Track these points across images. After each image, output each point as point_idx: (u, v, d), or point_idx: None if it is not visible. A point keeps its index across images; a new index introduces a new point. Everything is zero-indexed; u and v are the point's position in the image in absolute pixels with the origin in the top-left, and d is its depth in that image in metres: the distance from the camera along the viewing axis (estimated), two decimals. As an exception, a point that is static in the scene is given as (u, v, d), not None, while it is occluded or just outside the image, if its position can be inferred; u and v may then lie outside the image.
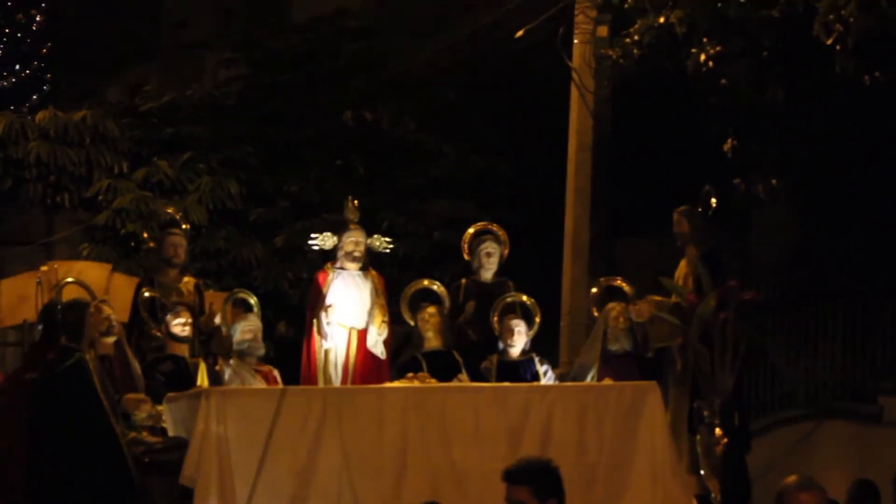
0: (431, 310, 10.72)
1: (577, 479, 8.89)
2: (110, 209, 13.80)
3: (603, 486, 9.12)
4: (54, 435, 8.31)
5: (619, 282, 11.11)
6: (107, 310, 9.50)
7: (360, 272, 10.71)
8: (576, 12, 12.37)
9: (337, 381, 10.35)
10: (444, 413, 8.90)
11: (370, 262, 10.81)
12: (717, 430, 9.59)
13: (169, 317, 9.92)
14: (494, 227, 11.39)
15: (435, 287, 11.11)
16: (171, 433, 8.89)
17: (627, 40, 10.37)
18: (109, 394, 8.61)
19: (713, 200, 9.94)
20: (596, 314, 10.99)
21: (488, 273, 11.24)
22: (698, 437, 9.70)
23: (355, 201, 10.83)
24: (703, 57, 9.46)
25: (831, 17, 8.58)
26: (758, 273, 11.98)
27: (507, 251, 11.34)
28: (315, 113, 13.95)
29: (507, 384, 9.79)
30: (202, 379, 9.68)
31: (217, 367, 10.08)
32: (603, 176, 12.40)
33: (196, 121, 14.20)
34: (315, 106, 14.03)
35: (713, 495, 9.57)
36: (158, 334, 9.97)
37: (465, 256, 11.39)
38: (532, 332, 10.90)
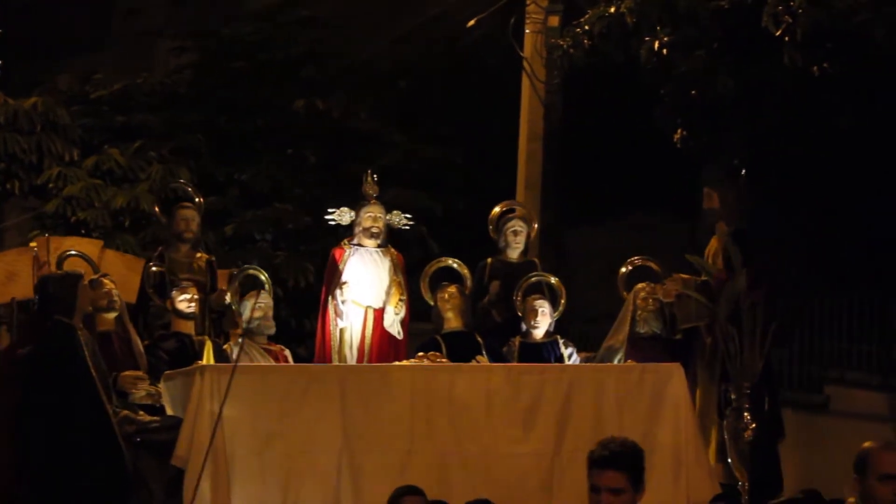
0: (452, 289, 10.31)
1: (595, 465, 8.50)
2: (60, 197, 13.67)
3: None
4: (41, 412, 7.98)
5: (648, 262, 10.63)
6: (108, 284, 9.19)
7: (378, 249, 10.33)
8: (527, 2, 12.31)
9: (352, 361, 9.98)
10: (454, 394, 8.48)
11: (388, 239, 10.41)
12: (746, 416, 9.11)
13: (175, 292, 9.56)
14: (521, 205, 10.96)
15: (456, 265, 10.69)
16: (168, 412, 8.52)
17: (578, 30, 10.36)
18: (102, 370, 8.27)
19: (743, 172, 9.48)
20: (624, 296, 10.52)
21: (515, 252, 10.82)
22: (725, 422, 9.23)
23: (374, 175, 10.42)
24: (656, 44, 9.48)
25: (780, 8, 8.59)
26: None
27: (535, 230, 10.90)
28: (267, 102, 13.97)
29: (520, 364, 9.34)
30: (208, 358, 9.30)
31: (225, 347, 9.73)
32: (554, 166, 12.34)
33: (147, 109, 14.19)
34: (267, 95, 14.05)
35: (741, 484, 9.08)
36: (168, 308, 9.60)
37: (492, 235, 10.96)
38: (557, 314, 10.46)
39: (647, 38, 9.49)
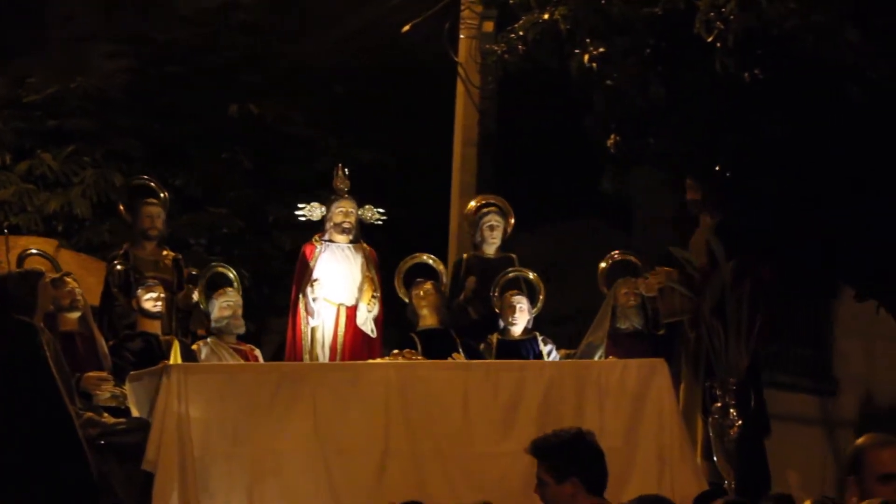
0: (427, 286, 10.03)
1: (577, 464, 8.22)
2: (-8, 202, 13.57)
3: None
4: (1, 415, 7.62)
5: (628, 256, 10.37)
6: (71, 283, 8.86)
7: (350, 245, 10.02)
8: (462, 8, 12.29)
9: (324, 360, 9.65)
10: (430, 393, 8.17)
11: (361, 234, 10.11)
12: (732, 412, 8.84)
13: (140, 291, 9.23)
14: (498, 200, 10.68)
15: (431, 262, 10.40)
16: (134, 414, 8.18)
17: (512, 36, 10.24)
18: (64, 371, 7.92)
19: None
20: (604, 291, 10.25)
21: (491, 248, 10.53)
22: (711, 420, 8.96)
23: (345, 169, 10.12)
24: (586, 58, 9.48)
25: (712, 14, 8.60)
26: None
27: (511, 225, 10.62)
28: (201, 106, 13.89)
29: (499, 361, 9.05)
30: (175, 358, 8.96)
31: (194, 347, 9.41)
32: (488, 172, 12.36)
33: (80, 113, 14.02)
34: (201, 99, 13.97)
35: (727, 483, 8.80)
36: (134, 307, 9.27)
37: (468, 230, 10.67)
38: (536, 310, 10.18)
39: (577, 51, 9.56)
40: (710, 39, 8.67)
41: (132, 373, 8.32)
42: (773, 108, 9.12)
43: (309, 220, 10.07)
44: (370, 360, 8.87)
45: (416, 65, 13.50)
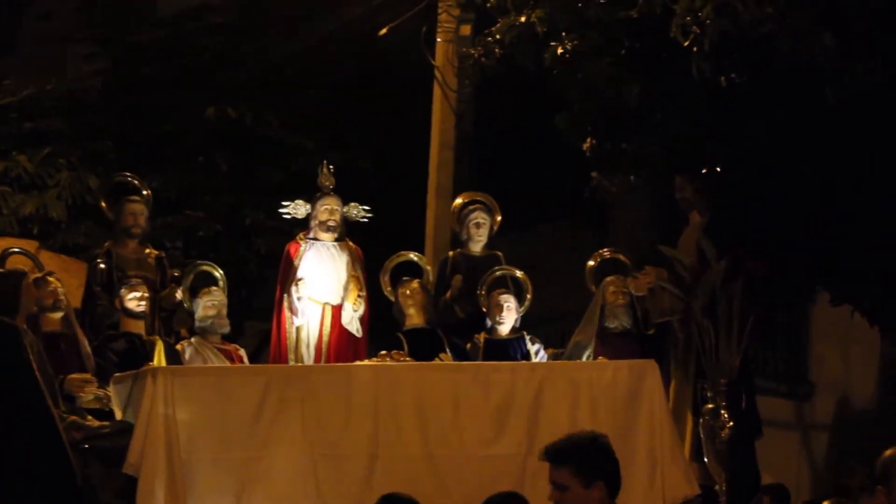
0: (414, 284, 9.92)
1: (570, 467, 8.11)
2: (-33, 204, 13.47)
3: None
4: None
5: (617, 254, 10.26)
6: (54, 283, 8.71)
7: (335, 243, 9.91)
8: (439, 11, 12.27)
9: (309, 361, 9.58)
10: (420, 395, 8.03)
11: (346, 232, 9.98)
12: (723, 413, 8.74)
13: (123, 290, 9.09)
14: (484, 197, 10.55)
15: (417, 259, 10.28)
16: (118, 417, 8.03)
17: (489, 39, 10.30)
18: (47, 373, 7.77)
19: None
20: (592, 290, 10.14)
21: (477, 245, 10.40)
22: (701, 421, 8.85)
23: (330, 166, 9.99)
24: (559, 50, 9.50)
25: (688, 18, 8.60)
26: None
27: (498, 222, 10.49)
28: (177, 108, 13.92)
29: (489, 362, 8.93)
30: (159, 359, 8.85)
31: (178, 347, 9.26)
32: (465, 174, 12.34)
33: (56, 115, 13.99)
34: (177, 101, 13.99)
35: (718, 486, 8.70)
36: (117, 307, 9.12)
37: (454, 228, 10.55)
38: (523, 309, 10.07)
39: (552, 44, 9.56)
40: (686, 43, 8.66)
41: (116, 375, 8.17)
42: (750, 112, 9.13)
43: (294, 217, 9.96)
44: (358, 362, 8.73)
45: (393, 68, 13.53)
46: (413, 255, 10.37)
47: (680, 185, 9.50)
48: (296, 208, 9.93)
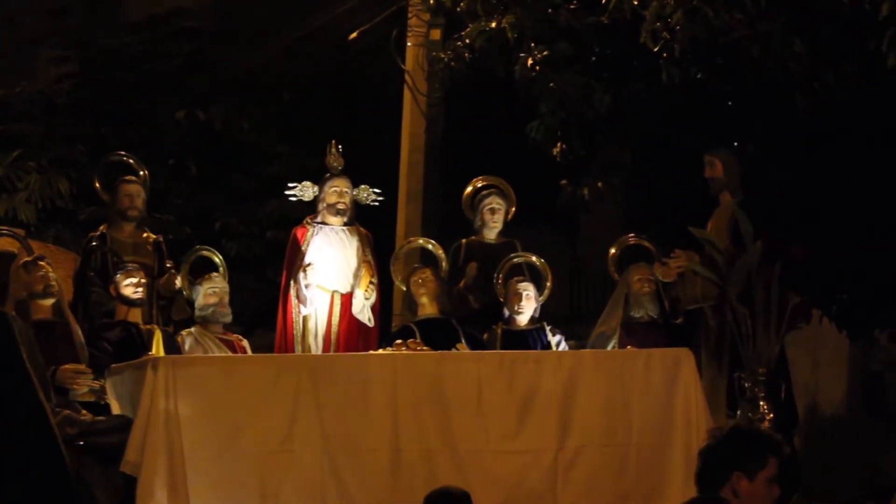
0: (426, 272, 9.35)
1: (606, 463, 7.60)
2: (-63, 207, 13.26)
3: (636, 470, 7.66)
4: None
5: (641, 240, 9.71)
6: (45, 267, 8.11)
7: (344, 228, 9.34)
8: (409, 15, 12.19)
9: (317, 352, 8.99)
10: (441, 385, 7.45)
11: (356, 216, 9.42)
12: (763, 405, 8.21)
13: (119, 276, 8.51)
14: (498, 181, 10.00)
15: (430, 246, 9.72)
16: (115, 411, 7.44)
17: (459, 44, 10.29)
18: (39, 363, 7.12)
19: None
20: (616, 278, 9.58)
21: (492, 232, 9.85)
22: (739, 413, 8.31)
23: (339, 146, 9.42)
24: (529, 61, 9.52)
25: (658, 24, 8.60)
26: (587, 276, 12.10)
27: (514, 207, 9.94)
28: (148, 112, 13.88)
29: (513, 351, 8.36)
30: (157, 349, 8.26)
31: (178, 337, 8.69)
32: (436, 178, 12.31)
33: (26, 119, 13.83)
34: (148, 105, 13.95)
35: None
36: (112, 293, 8.55)
37: (467, 214, 9.99)
38: (543, 298, 9.51)
39: (522, 55, 9.59)
40: (656, 49, 8.65)
41: (113, 366, 7.59)
42: (721, 119, 9.14)
43: (300, 200, 9.40)
44: (373, 352, 8.16)
45: (364, 72, 13.58)
46: (424, 242, 9.79)
47: (710, 164, 8.95)
48: (303, 190, 9.39)
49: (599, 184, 9.93)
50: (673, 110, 9.24)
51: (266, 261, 12.96)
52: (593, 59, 9.50)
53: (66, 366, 7.72)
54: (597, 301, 12.06)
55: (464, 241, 9.92)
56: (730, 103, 9.11)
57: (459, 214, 10.06)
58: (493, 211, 9.83)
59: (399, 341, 8.12)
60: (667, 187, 9.72)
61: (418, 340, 8.20)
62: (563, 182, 10.01)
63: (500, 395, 7.52)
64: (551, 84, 9.40)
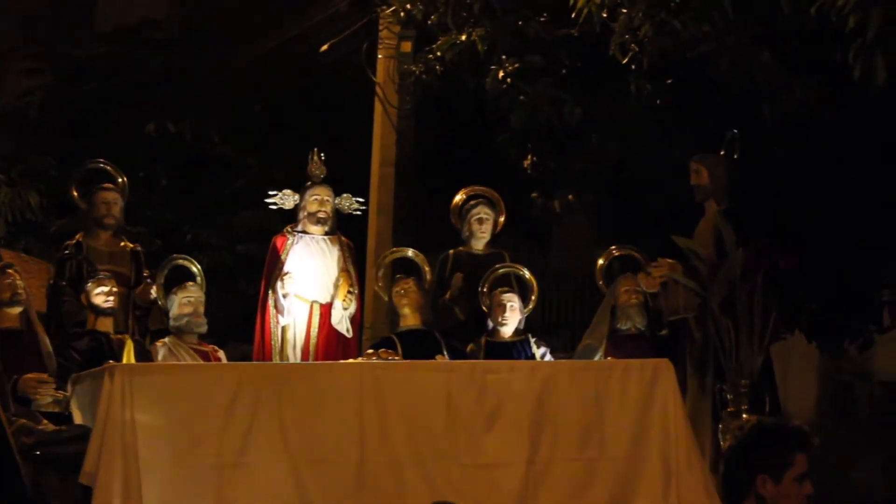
0: (408, 283, 9.16)
1: (574, 476, 7.39)
2: None
3: (607, 484, 7.46)
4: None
5: (629, 250, 9.51)
6: (13, 275, 8.00)
7: (325, 237, 9.18)
8: (380, 28, 12.15)
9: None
10: (409, 396, 7.27)
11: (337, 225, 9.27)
12: (745, 418, 8.00)
13: (90, 285, 8.38)
14: (487, 191, 9.82)
15: (414, 256, 9.54)
16: (77, 421, 7.29)
17: (430, 56, 10.39)
18: (-2, 372, 7.03)
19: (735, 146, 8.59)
20: (603, 289, 9.39)
21: (480, 243, 9.67)
22: (721, 426, 8.11)
23: (321, 154, 9.28)
24: (500, 74, 9.62)
25: (627, 36, 8.68)
26: (560, 288, 12.02)
27: (502, 218, 9.77)
28: (118, 124, 13.86)
29: (485, 361, 8.18)
30: (128, 359, 8.10)
31: (153, 347, 8.55)
32: (407, 191, 12.30)
33: None
34: (118, 117, 13.96)
35: (740, 497, 7.94)
36: (83, 302, 8.41)
37: (454, 224, 9.82)
38: (528, 310, 9.32)
39: (493, 67, 9.70)
40: (624, 61, 8.71)
41: (74, 375, 7.45)
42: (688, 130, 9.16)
43: (281, 208, 9.25)
44: (342, 361, 7.98)
45: (335, 84, 13.60)
46: (408, 252, 9.63)
47: (696, 171, 8.76)
48: (283, 198, 9.23)
49: (570, 196, 9.93)
50: (642, 123, 9.30)
51: (238, 273, 12.94)
52: (563, 71, 9.54)
53: (29, 375, 7.58)
54: (568, 313, 11.97)
55: (451, 251, 9.74)
56: (698, 115, 9.14)
57: (431, 227, 9.94)
58: (480, 221, 9.66)
59: (370, 351, 7.96)
60: (644, 199, 9.71)
61: (390, 351, 8.02)
62: (535, 195, 9.96)
63: (470, 407, 7.33)
64: (522, 97, 9.42)
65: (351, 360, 7.81)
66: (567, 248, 12.39)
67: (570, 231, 12.17)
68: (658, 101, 8.97)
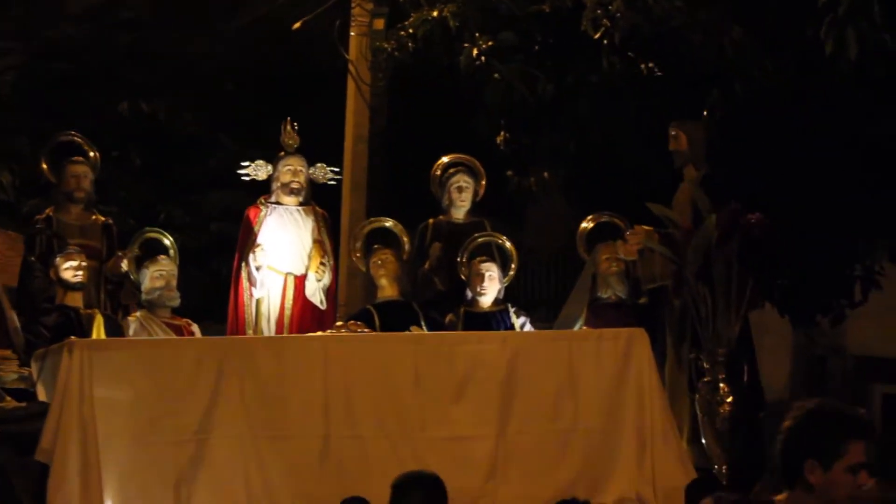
0: (385, 254, 9.01)
1: (547, 448, 7.26)
2: None
3: (583, 456, 7.35)
4: None
5: (612, 217, 9.34)
6: (-23, 250, 7.88)
7: (299, 208, 9.06)
8: (352, 5, 12.04)
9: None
10: (375, 369, 7.17)
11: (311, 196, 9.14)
12: (722, 388, 7.88)
13: (58, 259, 8.26)
14: (467, 158, 9.66)
15: (389, 225, 9.39)
16: (41, 398, 7.19)
17: (402, 33, 10.42)
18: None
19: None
20: (585, 257, 9.24)
21: (460, 212, 9.50)
22: (698, 396, 7.98)
23: (294, 123, 9.14)
24: (475, 52, 9.62)
25: (599, 11, 8.64)
26: (535, 266, 12.01)
27: (483, 187, 9.61)
28: (91, 104, 13.73)
29: (454, 332, 8.05)
30: (97, 333, 8.01)
31: (125, 321, 8.43)
32: (380, 168, 12.21)
33: None
34: (91, 97, 13.83)
35: (717, 467, 7.82)
36: (52, 277, 8.30)
37: (434, 192, 9.67)
38: (507, 280, 9.17)
39: (466, 45, 9.69)
40: (596, 37, 8.67)
41: (37, 351, 7.35)
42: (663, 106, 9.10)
43: (254, 179, 9.13)
44: (307, 334, 7.87)
45: (308, 62, 13.53)
46: (386, 222, 9.49)
47: (675, 136, 8.60)
48: (256, 169, 9.10)
49: (545, 173, 9.89)
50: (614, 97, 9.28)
51: (211, 252, 12.86)
52: (536, 48, 9.50)
53: (-7, 351, 7.49)
54: (542, 290, 11.85)
55: (431, 220, 9.59)
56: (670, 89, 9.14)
57: (405, 204, 9.83)
58: (460, 189, 9.49)
59: (339, 323, 7.84)
60: (619, 170, 9.70)
61: (359, 323, 7.89)
62: (509, 172, 9.93)
63: (438, 379, 7.24)
64: (496, 74, 9.38)
65: (317, 333, 7.67)
66: (541, 225, 12.32)
67: (544, 208, 12.12)
68: (631, 74, 9.05)
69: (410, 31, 10.10)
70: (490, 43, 9.48)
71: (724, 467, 7.84)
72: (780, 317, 9.77)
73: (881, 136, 8.78)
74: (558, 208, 11.64)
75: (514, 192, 10.08)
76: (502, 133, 9.80)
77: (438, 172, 9.66)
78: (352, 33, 12.11)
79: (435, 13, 9.77)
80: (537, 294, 11.98)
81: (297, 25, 12.21)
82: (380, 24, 11.81)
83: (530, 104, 9.46)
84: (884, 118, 8.72)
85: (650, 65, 8.89)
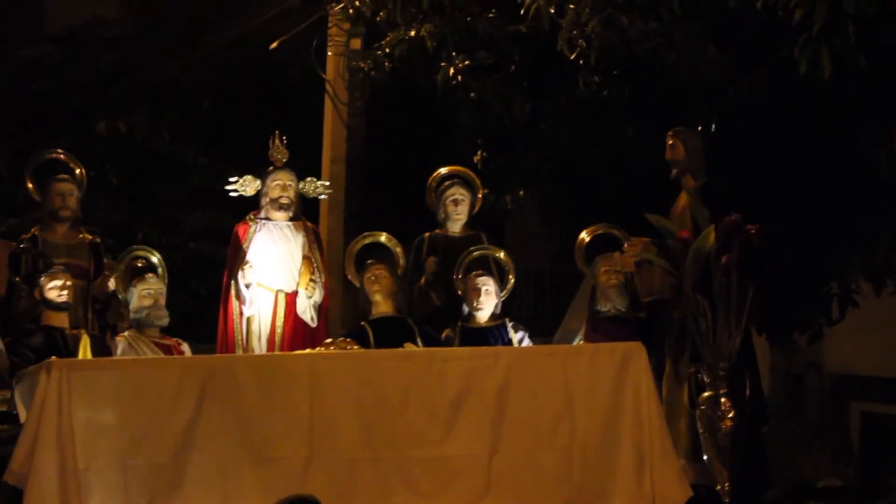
0: (379, 269, 8.83)
1: (545, 467, 7.09)
2: None
3: (580, 473, 7.16)
4: None
5: (611, 229, 9.15)
6: (-40, 270, 7.72)
7: (289, 223, 8.89)
8: (329, 25, 12.05)
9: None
10: (363, 387, 6.98)
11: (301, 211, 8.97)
12: (724, 402, 7.65)
13: (43, 279, 8.11)
14: (463, 170, 9.49)
15: (384, 239, 9.21)
16: (23, 420, 7.00)
17: (379, 52, 10.42)
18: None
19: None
20: (584, 270, 9.05)
21: (456, 225, 9.34)
22: (699, 412, 7.75)
23: (283, 137, 8.98)
24: (451, 71, 9.68)
25: (574, 32, 8.66)
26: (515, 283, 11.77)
27: (480, 200, 9.44)
28: (69, 123, 13.75)
29: (445, 349, 7.86)
30: (83, 354, 7.86)
31: (112, 343, 8.28)
32: (357, 188, 12.18)
33: None
34: (69, 116, 13.85)
35: (720, 486, 7.60)
36: (37, 297, 8.14)
37: (430, 206, 9.50)
38: (504, 294, 8.99)
39: (443, 64, 9.73)
40: (572, 57, 8.71)
41: (17, 372, 7.18)
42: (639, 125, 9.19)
43: (242, 195, 8.96)
44: (294, 352, 7.68)
45: (285, 81, 13.65)
46: (381, 237, 9.31)
47: (672, 145, 8.41)
48: (244, 185, 8.95)
49: (521, 192, 9.89)
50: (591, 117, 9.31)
51: (190, 272, 12.75)
52: (513, 67, 9.55)
53: (-27, 374, 7.33)
54: (522, 308, 11.67)
55: (427, 234, 9.42)
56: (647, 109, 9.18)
57: (382, 224, 9.69)
58: (456, 202, 9.34)
59: (328, 340, 7.65)
60: (602, 186, 9.69)
61: (348, 340, 7.70)
62: (486, 191, 9.80)
63: (429, 397, 7.05)
64: (472, 94, 9.45)
65: (304, 351, 7.49)
66: (520, 243, 12.19)
67: (522, 226, 12.04)
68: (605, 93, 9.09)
69: (388, 50, 10.11)
70: (467, 62, 9.55)
71: (726, 485, 7.61)
72: (757, 335, 9.57)
73: (857, 153, 8.70)
74: (535, 227, 11.63)
75: (491, 212, 10.13)
76: (479, 153, 9.83)
77: (434, 184, 9.50)
78: (329, 53, 12.11)
79: (412, 33, 9.78)
80: (516, 312, 11.89)
81: (274, 45, 12.20)
82: (357, 43, 11.77)
83: (506, 124, 9.52)
84: (859, 136, 8.65)
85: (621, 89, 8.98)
